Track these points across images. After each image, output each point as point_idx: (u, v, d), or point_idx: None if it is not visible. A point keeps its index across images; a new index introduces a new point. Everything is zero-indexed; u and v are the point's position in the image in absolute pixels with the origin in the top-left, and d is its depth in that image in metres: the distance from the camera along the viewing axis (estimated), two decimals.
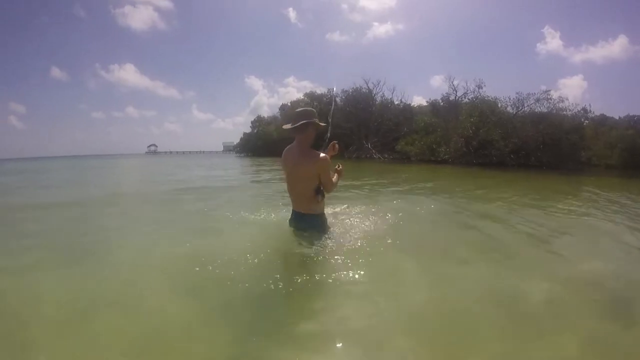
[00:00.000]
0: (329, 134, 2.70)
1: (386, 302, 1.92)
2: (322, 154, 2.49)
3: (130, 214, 4.96)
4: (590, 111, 19.59)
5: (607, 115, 22.41)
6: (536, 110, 18.85)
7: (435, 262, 2.62)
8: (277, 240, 2.78)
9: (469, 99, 22.97)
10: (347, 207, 3.95)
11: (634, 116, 20.45)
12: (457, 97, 24.07)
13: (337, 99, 28.80)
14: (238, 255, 2.45)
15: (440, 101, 25.33)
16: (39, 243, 3.19)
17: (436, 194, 6.79)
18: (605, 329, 1.74)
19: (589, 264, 2.72)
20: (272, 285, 2.01)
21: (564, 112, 18.25)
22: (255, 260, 2.36)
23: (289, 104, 35.71)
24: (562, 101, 18.46)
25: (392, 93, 28.23)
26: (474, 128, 18.90)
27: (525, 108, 19.34)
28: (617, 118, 22.03)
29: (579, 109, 18.88)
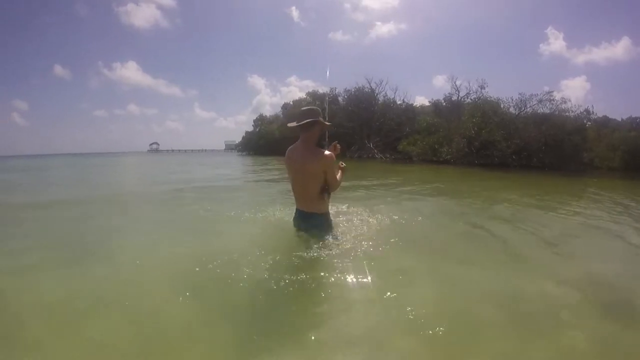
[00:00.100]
0: (326, 136, 2.70)
1: (388, 302, 1.90)
2: (327, 152, 2.49)
3: (130, 213, 4.97)
4: (593, 113, 19.49)
5: (610, 117, 22.18)
6: (539, 111, 18.81)
7: (438, 262, 2.60)
8: (279, 239, 2.78)
9: (471, 100, 22.97)
10: (351, 207, 3.94)
11: (636, 118, 20.29)
12: (459, 98, 24.08)
13: (340, 99, 28.77)
14: (239, 255, 2.44)
15: (443, 101, 25.31)
16: (39, 243, 3.19)
17: (441, 195, 6.79)
18: (606, 330, 1.73)
19: (592, 264, 2.71)
20: (273, 286, 2.00)
21: (567, 114, 18.20)
22: (257, 260, 2.35)
23: (292, 102, 35.75)
24: (565, 102, 18.45)
25: (395, 93, 28.32)
26: (476, 128, 18.84)
27: (528, 109, 19.32)
28: (619, 120, 21.83)
29: (582, 111, 18.85)
